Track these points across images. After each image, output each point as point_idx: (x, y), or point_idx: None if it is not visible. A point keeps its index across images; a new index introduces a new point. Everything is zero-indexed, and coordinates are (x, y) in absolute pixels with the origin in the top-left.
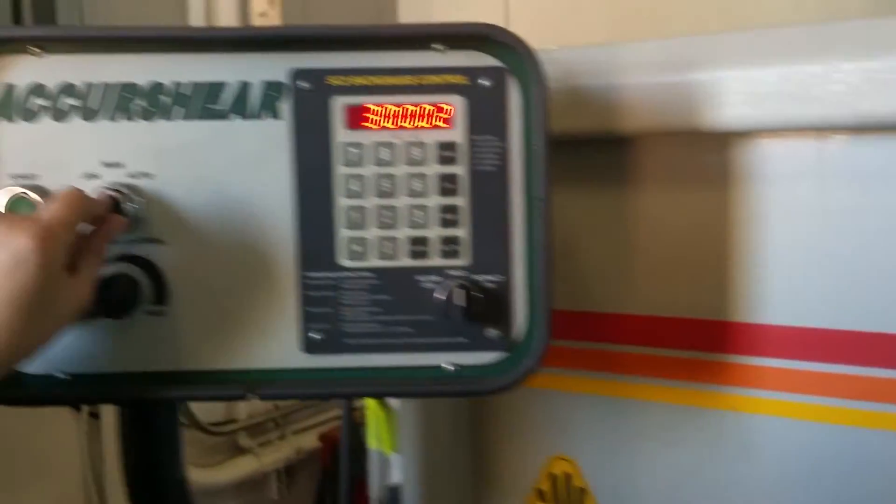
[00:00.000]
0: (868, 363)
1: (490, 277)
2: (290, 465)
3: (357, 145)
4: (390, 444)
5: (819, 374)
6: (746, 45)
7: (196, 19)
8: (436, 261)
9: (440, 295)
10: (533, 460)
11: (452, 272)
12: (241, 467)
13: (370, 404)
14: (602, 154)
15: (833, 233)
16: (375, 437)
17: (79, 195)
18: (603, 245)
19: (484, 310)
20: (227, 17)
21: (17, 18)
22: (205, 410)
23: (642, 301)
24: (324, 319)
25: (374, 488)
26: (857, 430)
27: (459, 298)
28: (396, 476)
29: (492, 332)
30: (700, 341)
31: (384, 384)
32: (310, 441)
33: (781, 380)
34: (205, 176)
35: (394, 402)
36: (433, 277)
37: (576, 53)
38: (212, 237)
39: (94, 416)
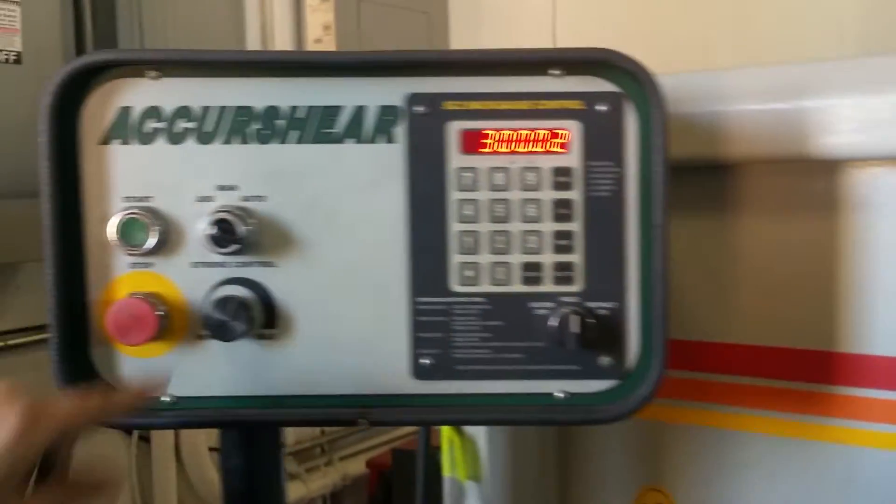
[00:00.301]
0: None
1: (603, 304)
2: (337, 492)
3: (471, 170)
4: (466, 471)
5: None
6: (857, 72)
7: (252, 44)
8: (549, 287)
9: (553, 321)
10: (624, 491)
11: (565, 298)
12: (289, 493)
13: (446, 431)
14: (706, 181)
15: None
16: (451, 464)
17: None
18: (704, 273)
19: (597, 337)
20: (282, 43)
21: (79, 44)
22: None
23: (744, 330)
24: (434, 345)
25: None
26: None
27: (574, 325)
28: (475, 503)
29: (605, 360)
30: (804, 372)
31: (494, 411)
32: (357, 467)
33: (888, 412)
34: (317, 199)
35: (473, 429)
36: (546, 304)
37: (679, 79)
38: (323, 261)
39: (145, 440)
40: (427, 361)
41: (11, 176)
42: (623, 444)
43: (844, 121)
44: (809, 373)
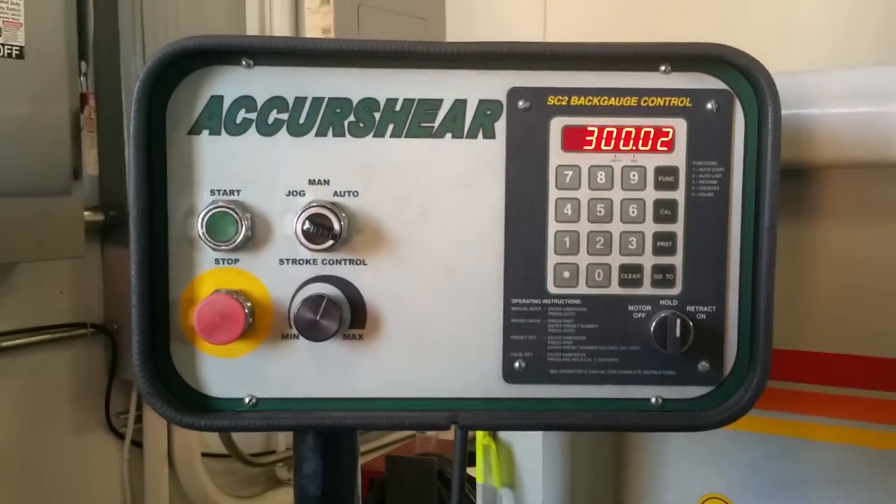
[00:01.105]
0: None
1: (703, 308)
2: None
3: (573, 168)
4: (502, 478)
5: None
6: None
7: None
8: (647, 289)
9: (651, 325)
10: (683, 500)
11: (664, 302)
12: (279, 499)
13: (481, 437)
14: (786, 185)
15: None
16: (486, 471)
17: None
18: (781, 278)
19: (696, 341)
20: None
21: (82, 41)
22: (244, 441)
23: (819, 337)
24: (528, 348)
25: None
26: None
27: (675, 329)
28: None
29: (703, 366)
30: (879, 380)
31: (586, 416)
32: None
33: None
34: (412, 196)
35: (509, 436)
36: (643, 307)
37: None
38: (415, 259)
39: (137, 444)
40: (519, 364)
41: (9, 173)
42: (682, 451)
43: None
44: (884, 381)
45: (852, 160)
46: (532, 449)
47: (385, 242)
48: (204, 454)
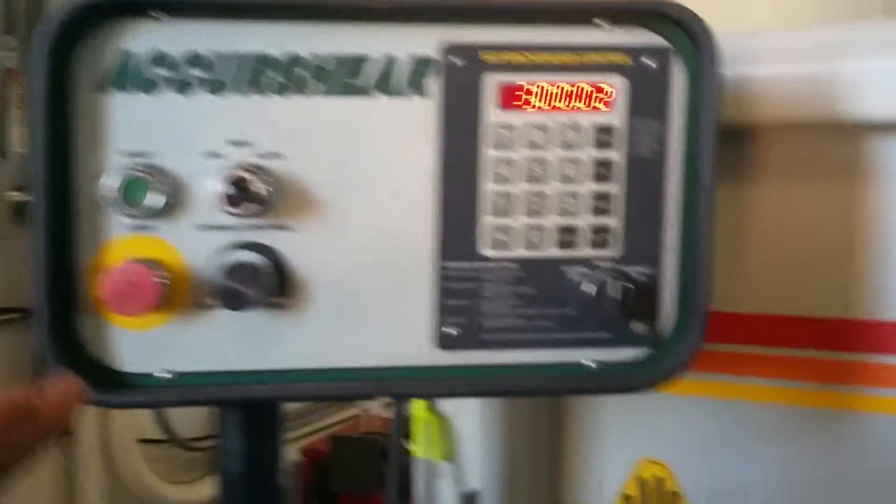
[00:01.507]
0: None
1: (640, 270)
2: None
3: (509, 127)
4: (441, 451)
5: None
6: (886, 35)
7: None
8: (584, 251)
9: (588, 287)
10: (620, 463)
11: (601, 263)
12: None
13: (419, 411)
14: (727, 146)
15: None
16: (425, 445)
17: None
18: (720, 240)
19: (634, 303)
20: None
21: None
22: (183, 424)
23: (757, 299)
24: (461, 313)
25: (420, 498)
26: None
27: (614, 290)
28: (448, 484)
29: (639, 328)
30: (817, 340)
31: (523, 382)
32: (290, 456)
33: None
34: (340, 157)
35: (449, 408)
36: (580, 269)
37: None
38: (344, 224)
39: (67, 432)
40: (452, 330)
41: None
42: (620, 416)
43: (873, 84)
44: (822, 341)
45: (793, 120)
46: (470, 421)
47: (311, 207)
48: (141, 440)
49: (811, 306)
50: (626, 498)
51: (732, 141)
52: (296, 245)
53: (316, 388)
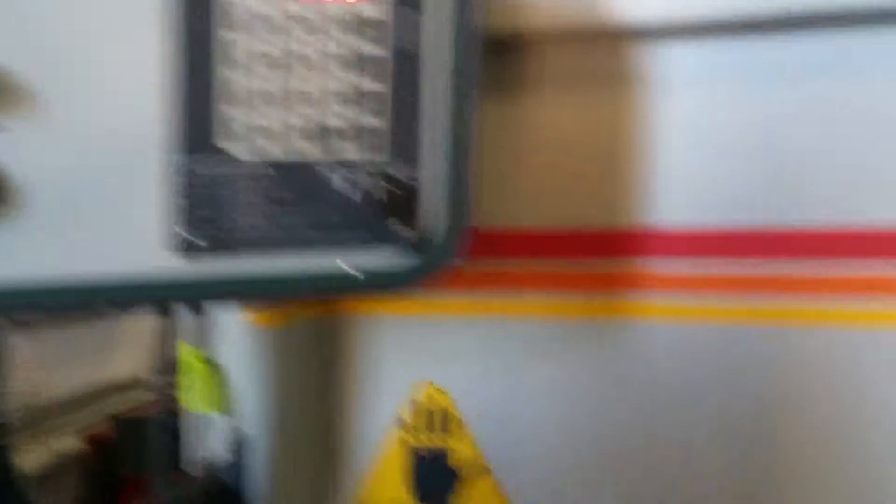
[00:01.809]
0: (759, 257)
1: (403, 173)
2: (47, 473)
3: (250, 11)
4: (218, 403)
5: (711, 275)
6: None
7: None
8: (343, 152)
9: (349, 189)
10: (396, 389)
11: (362, 164)
12: None
13: (193, 364)
14: (497, 58)
15: (726, 135)
16: (198, 399)
17: None
18: (493, 154)
19: (397, 206)
20: None
21: None
22: None
23: (529, 213)
24: (203, 217)
25: (198, 453)
26: (741, 329)
27: (377, 192)
28: (219, 434)
29: (402, 230)
30: (587, 250)
31: (277, 287)
32: (70, 444)
33: (672, 283)
34: (57, 46)
35: (221, 355)
36: (339, 170)
37: None
38: (63, 120)
39: None
40: (193, 236)
41: None
42: (393, 341)
43: None
44: (591, 251)
45: (561, 29)
46: (239, 366)
47: (23, 102)
48: None
49: (582, 217)
50: (403, 422)
51: (503, 52)
52: (8, 147)
53: (37, 301)
